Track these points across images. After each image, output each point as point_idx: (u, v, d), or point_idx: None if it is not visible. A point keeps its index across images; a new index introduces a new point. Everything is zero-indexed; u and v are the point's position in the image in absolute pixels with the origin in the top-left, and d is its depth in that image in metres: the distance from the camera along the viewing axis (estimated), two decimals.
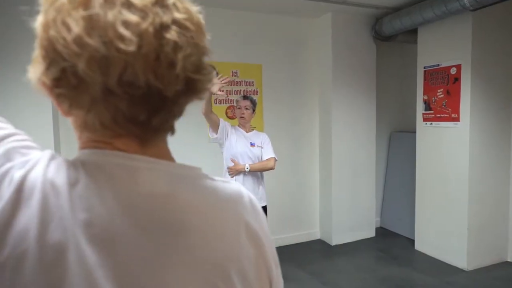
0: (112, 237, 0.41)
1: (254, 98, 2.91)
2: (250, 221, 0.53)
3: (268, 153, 2.82)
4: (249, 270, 0.51)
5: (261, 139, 2.86)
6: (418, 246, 3.94)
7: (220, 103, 3.81)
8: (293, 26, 4.11)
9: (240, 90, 3.87)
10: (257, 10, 3.85)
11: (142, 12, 0.39)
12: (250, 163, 2.74)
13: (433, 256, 3.75)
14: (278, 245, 4.08)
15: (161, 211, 0.44)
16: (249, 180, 2.75)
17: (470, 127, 3.35)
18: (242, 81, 3.92)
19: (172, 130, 0.50)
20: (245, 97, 2.82)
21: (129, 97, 0.40)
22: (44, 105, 2.90)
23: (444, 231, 3.62)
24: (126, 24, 0.38)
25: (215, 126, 2.67)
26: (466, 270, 3.42)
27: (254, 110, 2.83)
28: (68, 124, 0.49)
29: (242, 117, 2.80)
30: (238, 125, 2.86)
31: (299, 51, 4.18)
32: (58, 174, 0.41)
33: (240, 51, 3.88)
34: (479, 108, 3.38)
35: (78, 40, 0.38)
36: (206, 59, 0.48)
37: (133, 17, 0.38)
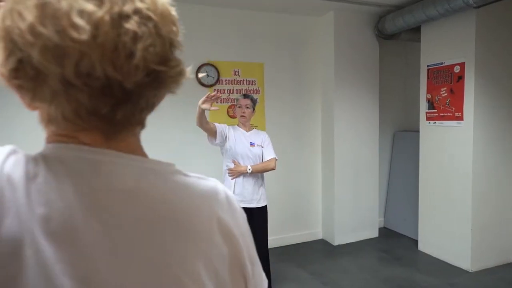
0: (71, 232, 0.40)
1: (255, 97, 2.90)
2: (224, 218, 0.52)
3: (269, 154, 2.81)
4: (221, 268, 0.50)
5: (261, 138, 2.85)
6: (422, 247, 3.90)
7: (221, 102, 3.80)
8: (295, 24, 4.09)
9: (242, 89, 3.86)
10: (259, 8, 3.84)
11: (99, 0, 0.38)
12: (251, 163, 2.73)
13: (436, 257, 3.71)
14: (279, 245, 4.07)
15: (125, 206, 0.43)
16: (250, 180, 2.74)
17: (474, 126, 3.30)
18: (243, 80, 3.91)
19: (141, 124, 0.49)
20: (245, 96, 2.81)
21: (89, 89, 0.39)
22: None
23: (448, 231, 3.58)
24: (81, 12, 0.37)
25: (212, 134, 2.67)
26: (470, 271, 3.37)
27: (254, 109, 2.82)
28: None
29: (243, 116, 2.79)
30: (238, 124, 2.85)
31: (301, 50, 4.16)
32: (15, 168, 0.40)
33: (241, 50, 3.87)
34: (483, 106, 3.33)
35: (32, 29, 0.37)
36: (178, 51, 0.47)
37: (88, 6, 0.37)
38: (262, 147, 2.83)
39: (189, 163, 3.56)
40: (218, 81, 3.76)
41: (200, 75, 3.70)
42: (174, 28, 0.44)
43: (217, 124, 2.69)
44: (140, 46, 0.39)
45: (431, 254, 3.78)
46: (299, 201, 4.25)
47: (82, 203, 0.41)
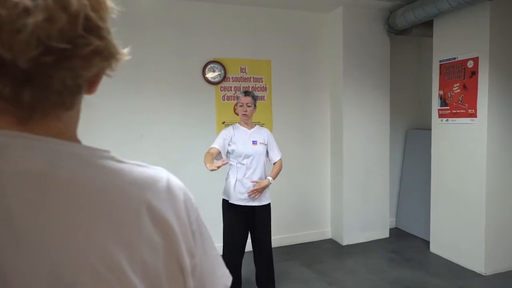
0: None
1: (256, 95, 2.86)
2: (158, 207, 0.49)
3: (276, 155, 2.83)
4: (152, 259, 0.46)
5: (264, 136, 2.81)
6: (433, 248, 3.78)
7: (228, 100, 3.78)
8: (303, 21, 4.03)
9: (249, 87, 3.83)
10: (266, 5, 3.80)
11: None
12: (254, 161, 2.71)
13: (449, 259, 3.58)
14: (287, 244, 4.02)
15: (35, 191, 0.41)
16: (251, 179, 2.71)
17: (488, 123, 3.17)
18: (250, 77, 3.87)
19: (64, 107, 0.46)
20: (246, 93, 2.77)
21: None
22: None
23: (461, 233, 3.45)
24: None
25: (217, 153, 2.67)
26: (483, 274, 3.24)
27: (255, 106, 2.79)
28: None
29: (245, 115, 2.76)
30: (239, 122, 2.82)
31: (309, 46, 4.09)
32: None
33: (248, 47, 3.84)
34: (497, 103, 3.19)
35: None
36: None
37: None
38: (265, 144, 2.80)
39: (189, 161, 3.54)
40: (224, 78, 3.74)
41: (211, 75, 3.69)
42: (86, 2, 0.42)
43: (216, 143, 2.67)
44: (31, 21, 0.37)
45: (443, 256, 3.65)
46: (307, 200, 4.19)
47: None
